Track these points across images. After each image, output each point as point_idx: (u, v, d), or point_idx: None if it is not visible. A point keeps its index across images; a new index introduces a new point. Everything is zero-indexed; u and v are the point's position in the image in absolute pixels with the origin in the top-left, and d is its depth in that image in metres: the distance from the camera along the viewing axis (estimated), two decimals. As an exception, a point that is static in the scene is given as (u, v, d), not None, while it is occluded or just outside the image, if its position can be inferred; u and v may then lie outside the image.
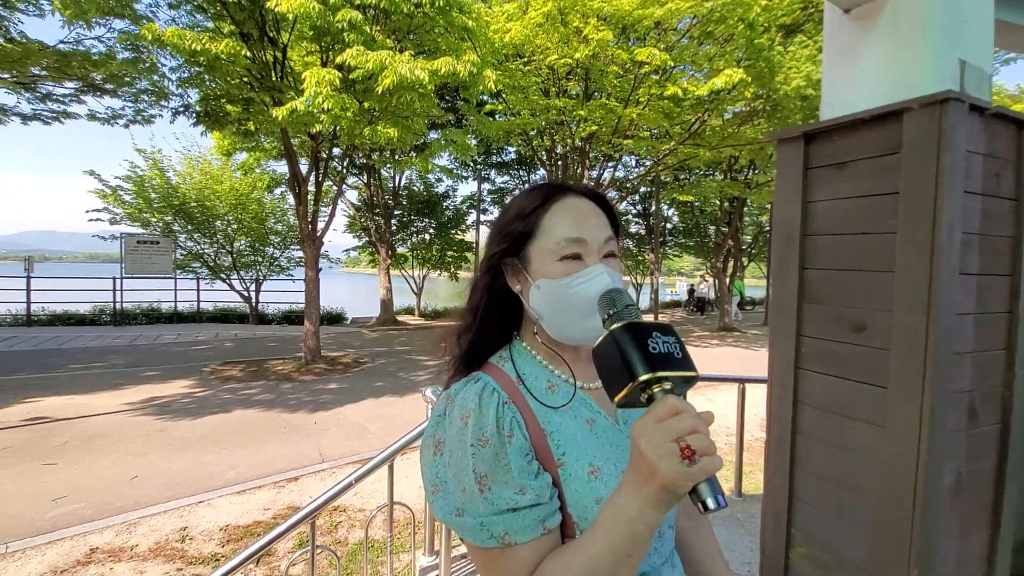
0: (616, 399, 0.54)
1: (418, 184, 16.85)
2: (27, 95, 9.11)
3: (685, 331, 15.29)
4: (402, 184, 16.29)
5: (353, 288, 41.67)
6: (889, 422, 1.34)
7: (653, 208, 16.77)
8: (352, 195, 16.45)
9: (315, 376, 7.91)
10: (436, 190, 17.25)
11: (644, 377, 0.52)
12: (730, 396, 4.58)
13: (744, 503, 3.44)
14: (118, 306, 13.42)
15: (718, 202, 16.30)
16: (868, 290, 1.42)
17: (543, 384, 0.75)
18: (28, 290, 12.50)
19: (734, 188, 13.23)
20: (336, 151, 9.99)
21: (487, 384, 0.71)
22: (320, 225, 8.74)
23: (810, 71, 8.33)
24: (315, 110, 5.48)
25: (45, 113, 9.56)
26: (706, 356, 10.79)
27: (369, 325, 14.93)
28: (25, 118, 9.67)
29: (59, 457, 4.41)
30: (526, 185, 15.99)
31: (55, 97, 9.21)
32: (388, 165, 13.46)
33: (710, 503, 0.49)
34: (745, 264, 19.88)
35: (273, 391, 6.94)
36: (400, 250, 16.82)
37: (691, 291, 22.84)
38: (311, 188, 8.43)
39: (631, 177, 15.12)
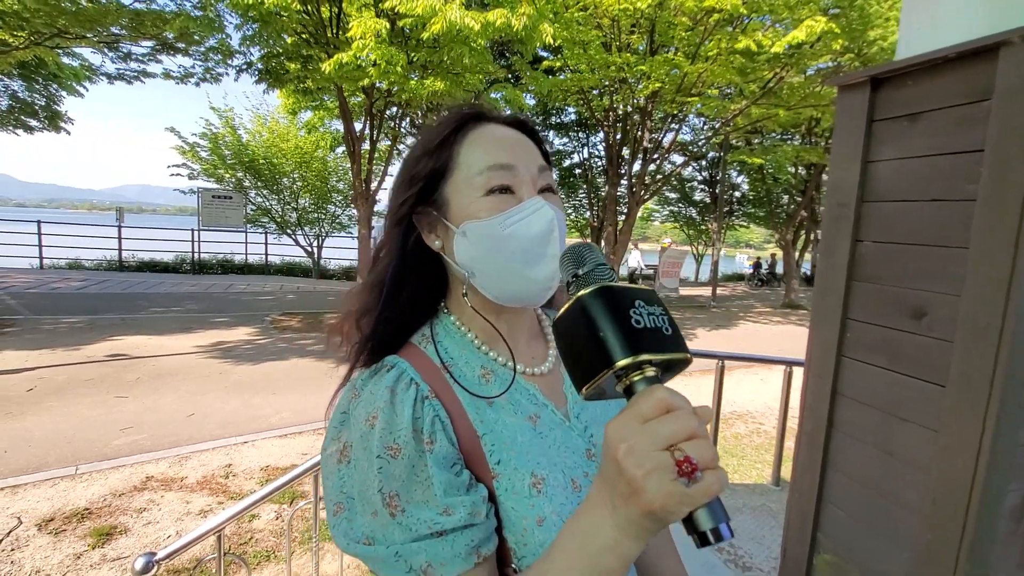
0: (584, 390, 0.40)
1: (474, 146, 16.68)
2: (110, 54, 9.75)
3: (746, 306, 14.54)
4: (459, 145, 16.18)
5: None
6: (944, 427, 1.13)
7: (720, 175, 15.73)
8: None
9: (366, 331, 8.18)
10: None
11: (624, 362, 0.37)
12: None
13: (782, 492, 3.23)
14: (196, 256, 14.47)
15: (792, 169, 15.04)
16: (934, 269, 1.18)
17: (475, 371, 0.60)
18: (119, 238, 13.70)
19: (812, 153, 12.08)
20: (393, 110, 9.98)
21: (403, 373, 0.56)
22: (373, 185, 8.86)
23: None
24: (362, 63, 5.41)
25: (127, 72, 10.23)
26: (764, 333, 10.21)
27: (423, 285, 15.26)
28: (110, 78, 10.42)
29: (131, 391, 4.83)
30: (584, 148, 15.52)
31: (135, 57, 9.79)
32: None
33: (712, 536, 0.34)
34: (817, 237, 18.45)
35: (326, 343, 7.24)
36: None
37: (757, 264, 21.65)
38: (366, 147, 8.51)
39: (697, 140, 14.19)
